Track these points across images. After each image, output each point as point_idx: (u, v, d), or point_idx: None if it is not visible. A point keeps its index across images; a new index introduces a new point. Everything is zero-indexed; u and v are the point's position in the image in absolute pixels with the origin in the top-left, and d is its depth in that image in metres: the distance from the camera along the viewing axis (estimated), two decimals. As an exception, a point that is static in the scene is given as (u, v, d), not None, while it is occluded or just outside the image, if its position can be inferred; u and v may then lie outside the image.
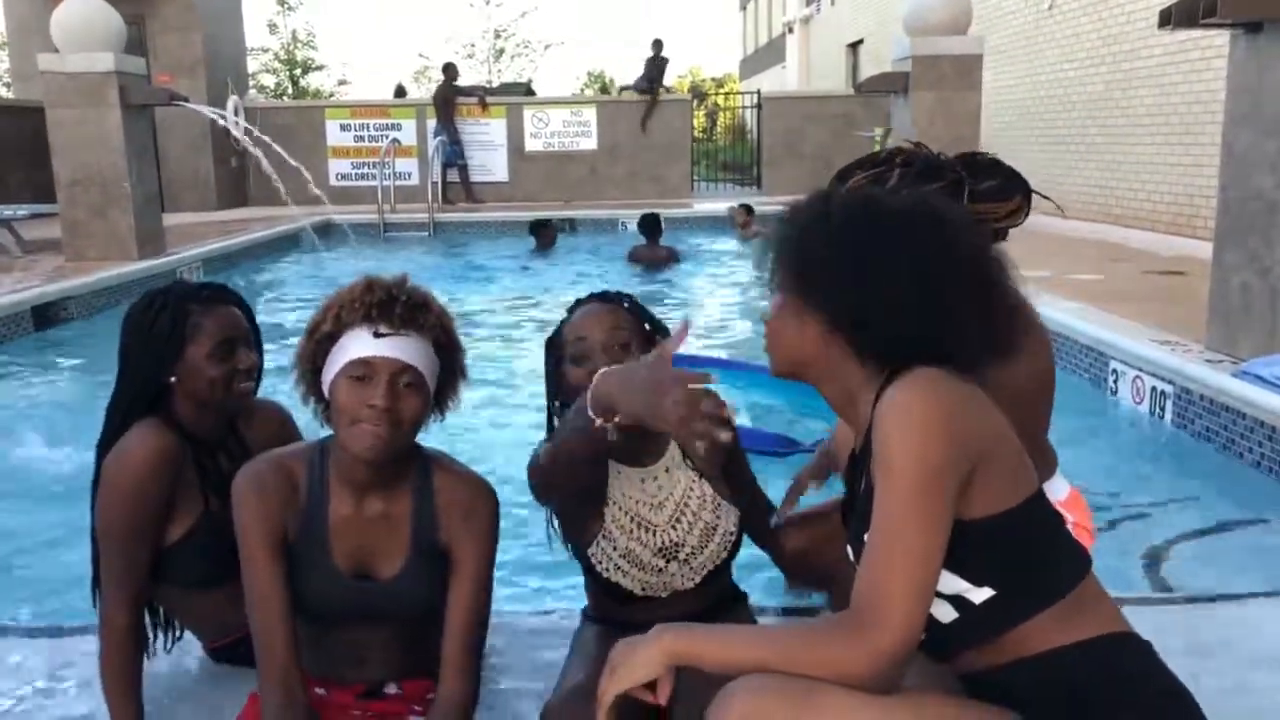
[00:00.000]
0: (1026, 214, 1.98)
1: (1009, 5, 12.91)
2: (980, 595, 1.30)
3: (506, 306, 8.17)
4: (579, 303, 1.92)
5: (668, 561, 1.87)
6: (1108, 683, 1.29)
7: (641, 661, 1.28)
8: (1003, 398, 1.74)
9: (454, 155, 14.51)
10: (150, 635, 2.03)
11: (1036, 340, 1.99)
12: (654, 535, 1.87)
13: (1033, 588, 1.31)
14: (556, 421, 1.90)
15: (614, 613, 1.94)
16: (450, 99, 14.64)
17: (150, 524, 1.89)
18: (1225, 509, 3.47)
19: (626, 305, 1.89)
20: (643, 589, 1.88)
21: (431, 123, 14.82)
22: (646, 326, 1.88)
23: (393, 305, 1.67)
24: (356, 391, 1.63)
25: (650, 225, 9.67)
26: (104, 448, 1.94)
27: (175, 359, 1.89)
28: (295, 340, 1.76)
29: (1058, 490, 2.14)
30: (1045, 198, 2.06)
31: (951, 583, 1.30)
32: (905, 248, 1.33)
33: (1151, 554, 3.12)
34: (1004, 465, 1.31)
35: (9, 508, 3.71)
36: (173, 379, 1.91)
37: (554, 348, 1.91)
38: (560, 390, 1.90)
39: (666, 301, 7.98)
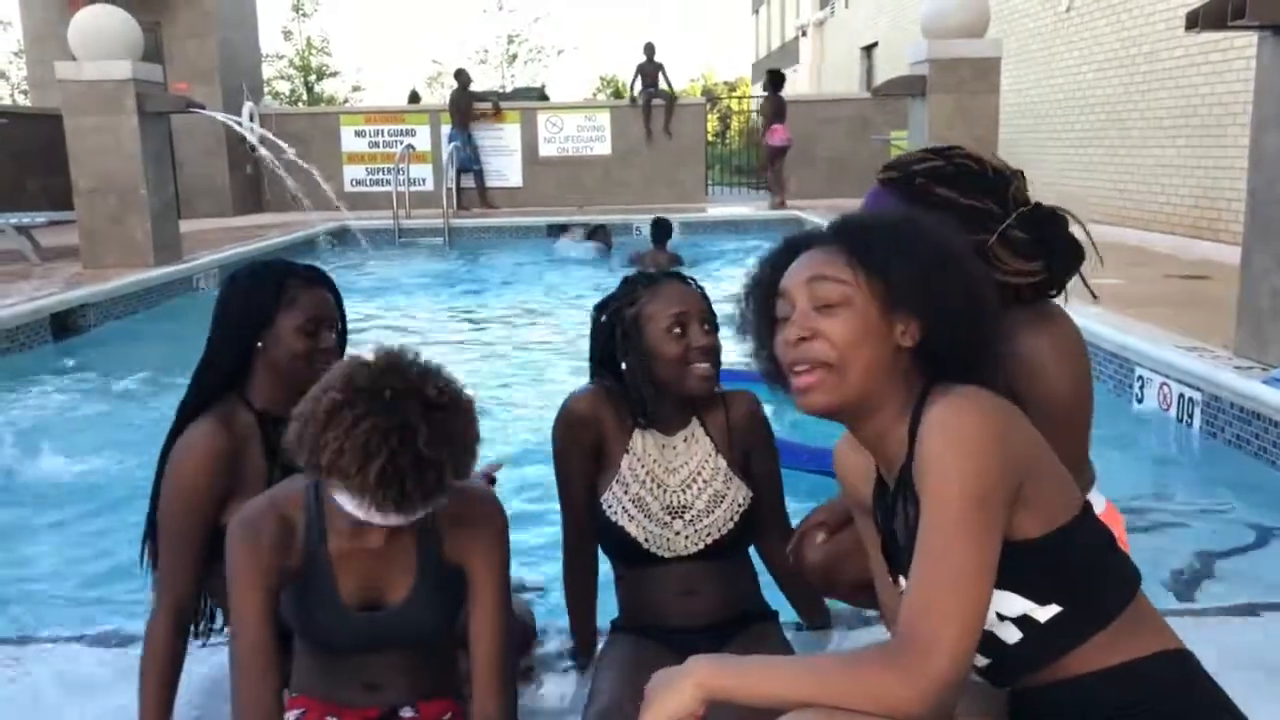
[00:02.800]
0: (1042, 290, 1.87)
1: (1026, 7, 12.84)
2: (1046, 613, 1.27)
3: (524, 311, 8.17)
4: (651, 278, 2.01)
5: (673, 518, 1.99)
6: (1159, 699, 1.27)
7: (675, 695, 1.24)
8: (1048, 412, 1.71)
9: (469, 161, 14.51)
10: (193, 627, 2.02)
11: (1075, 353, 1.93)
12: (665, 493, 2.00)
13: (1095, 602, 1.29)
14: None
15: (635, 591, 2.02)
16: (464, 104, 14.65)
17: (200, 526, 1.90)
18: (1259, 517, 3.40)
19: (699, 289, 2.01)
20: (646, 539, 1.97)
21: (446, 128, 14.84)
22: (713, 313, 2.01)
23: (405, 490, 1.43)
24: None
25: (662, 230, 9.64)
26: (183, 415, 1.96)
27: (267, 325, 1.94)
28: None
29: (1096, 504, 2.09)
30: (1086, 285, 2.02)
31: (1015, 604, 1.27)
32: (969, 266, 1.37)
33: (1183, 564, 3.07)
34: (1052, 481, 1.29)
35: (30, 514, 3.70)
36: (259, 344, 1.95)
37: (633, 321, 1.96)
38: (634, 351, 1.95)
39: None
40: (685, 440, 2.03)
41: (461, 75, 15.29)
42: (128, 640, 2.36)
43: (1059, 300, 1.92)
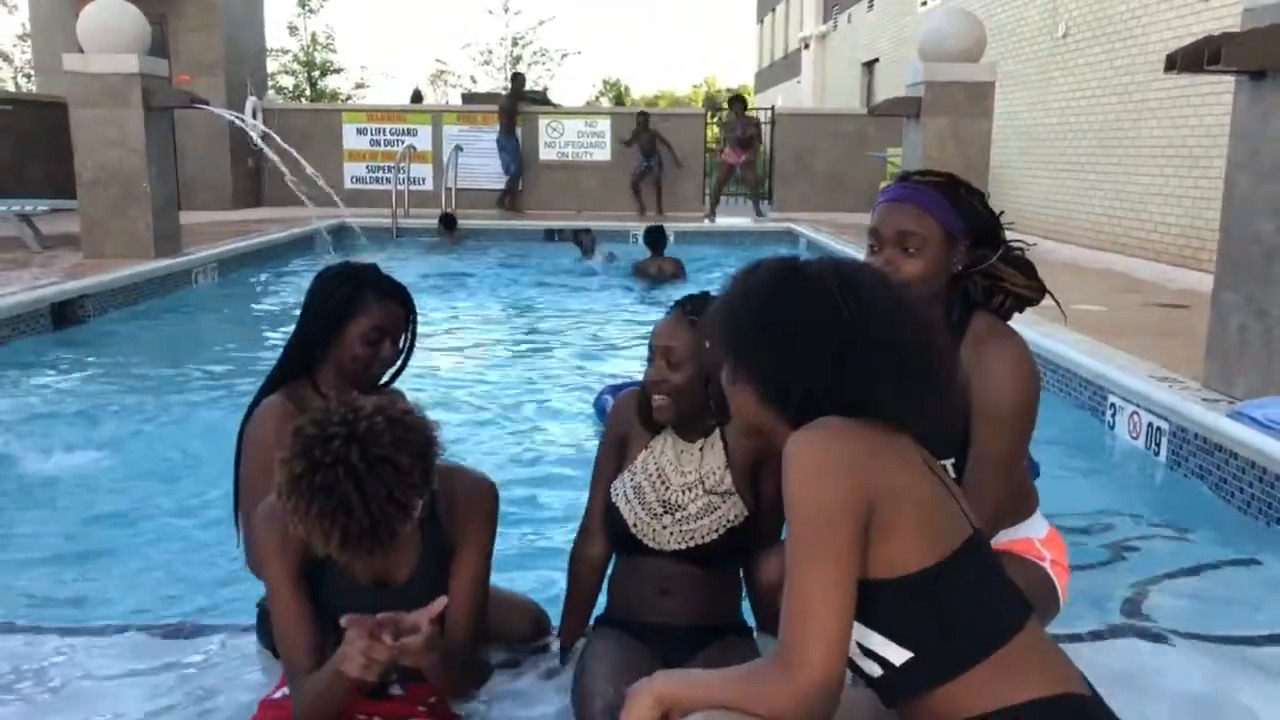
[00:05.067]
0: (1036, 301, 2.14)
1: (1023, 31, 13.00)
2: (899, 656, 1.36)
3: (510, 310, 8.30)
4: (674, 305, 2.16)
5: (665, 512, 2.13)
6: None
7: (640, 702, 1.42)
8: (996, 416, 1.90)
9: (510, 164, 14.58)
10: None
11: (1027, 369, 2.07)
12: (666, 489, 2.14)
13: (954, 648, 1.35)
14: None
15: (622, 581, 2.19)
16: (515, 109, 14.69)
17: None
18: (1213, 549, 3.52)
19: (695, 321, 2.06)
20: (635, 524, 2.13)
21: (447, 129, 14.96)
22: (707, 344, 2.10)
23: (368, 546, 1.62)
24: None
25: (654, 238, 9.68)
26: (260, 393, 2.26)
27: (339, 326, 2.19)
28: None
29: (1037, 529, 2.22)
30: (1057, 303, 2.31)
31: (871, 640, 1.37)
32: (809, 316, 1.42)
33: (1135, 590, 3.19)
34: (910, 523, 1.34)
35: (27, 505, 3.80)
36: (329, 341, 2.20)
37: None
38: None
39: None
40: (702, 448, 2.16)
41: (518, 79, 15.41)
42: (125, 628, 2.48)
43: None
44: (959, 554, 1.37)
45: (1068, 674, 1.39)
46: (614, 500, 2.18)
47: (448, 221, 12.24)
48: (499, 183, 14.83)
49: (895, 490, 1.34)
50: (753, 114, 15.33)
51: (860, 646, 1.38)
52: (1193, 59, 3.96)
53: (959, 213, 2.03)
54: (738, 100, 15.44)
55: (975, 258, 2.08)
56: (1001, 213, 2.18)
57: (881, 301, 1.44)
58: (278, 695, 1.96)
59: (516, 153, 14.66)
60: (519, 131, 14.83)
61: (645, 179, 14.72)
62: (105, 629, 2.50)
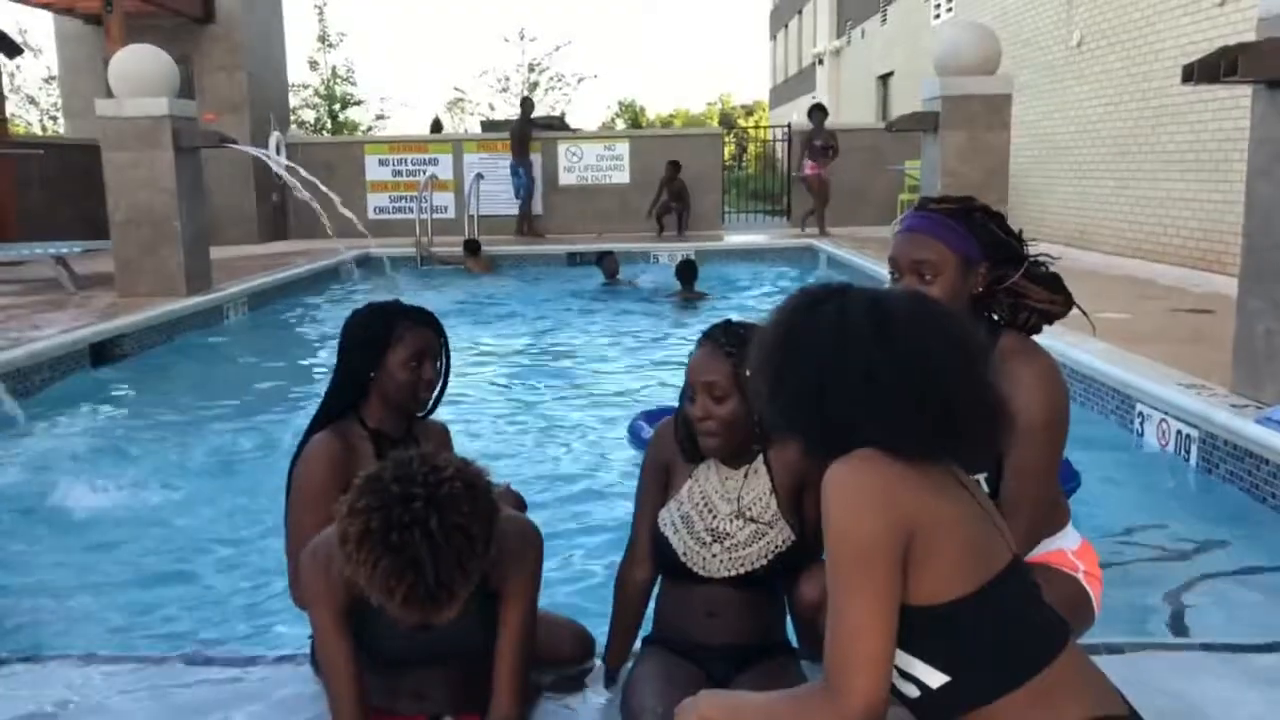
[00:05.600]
0: (1061, 315, 2.20)
1: (1040, 40, 13.04)
2: (936, 679, 1.39)
3: (537, 335, 8.38)
4: (704, 336, 2.16)
5: (714, 541, 2.16)
6: None
7: None
8: (1028, 433, 1.95)
9: (523, 188, 14.72)
10: None
11: (1055, 385, 2.12)
12: (714, 518, 2.17)
13: (991, 673, 1.38)
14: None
15: (669, 604, 2.22)
16: (526, 134, 14.84)
17: (321, 525, 2.09)
18: (1247, 554, 3.54)
19: (730, 353, 2.06)
20: (685, 553, 2.16)
21: (468, 157, 15.13)
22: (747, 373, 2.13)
23: (427, 610, 1.64)
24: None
25: (686, 272, 9.72)
26: (309, 431, 2.35)
27: (379, 359, 2.29)
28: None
29: (1070, 541, 2.26)
30: (1084, 314, 2.32)
31: (910, 664, 1.41)
32: (835, 350, 1.43)
33: (1172, 598, 3.21)
34: (948, 551, 1.37)
35: (71, 543, 3.90)
36: (373, 375, 2.30)
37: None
38: (685, 413, 2.17)
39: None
40: (746, 475, 2.18)
41: (526, 104, 15.56)
42: (162, 660, 2.54)
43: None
44: (997, 581, 1.40)
45: (1105, 696, 1.41)
46: (662, 530, 2.20)
47: (471, 247, 12.33)
48: (514, 210, 14.99)
49: (933, 520, 1.36)
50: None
51: (899, 670, 1.41)
52: (1209, 70, 4.00)
53: (974, 237, 2.11)
54: (819, 109, 14.94)
55: (997, 277, 2.14)
56: (1020, 231, 2.23)
57: (919, 335, 1.43)
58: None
59: (528, 178, 14.77)
60: (533, 157, 14.95)
61: (669, 214, 14.78)
62: (162, 658, 2.56)
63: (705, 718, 1.46)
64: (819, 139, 14.22)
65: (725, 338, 2.10)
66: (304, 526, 2.17)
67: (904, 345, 1.41)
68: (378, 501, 1.60)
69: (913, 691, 1.43)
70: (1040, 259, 2.21)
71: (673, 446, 2.24)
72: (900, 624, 1.36)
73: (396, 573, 1.59)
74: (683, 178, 14.77)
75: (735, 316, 2.31)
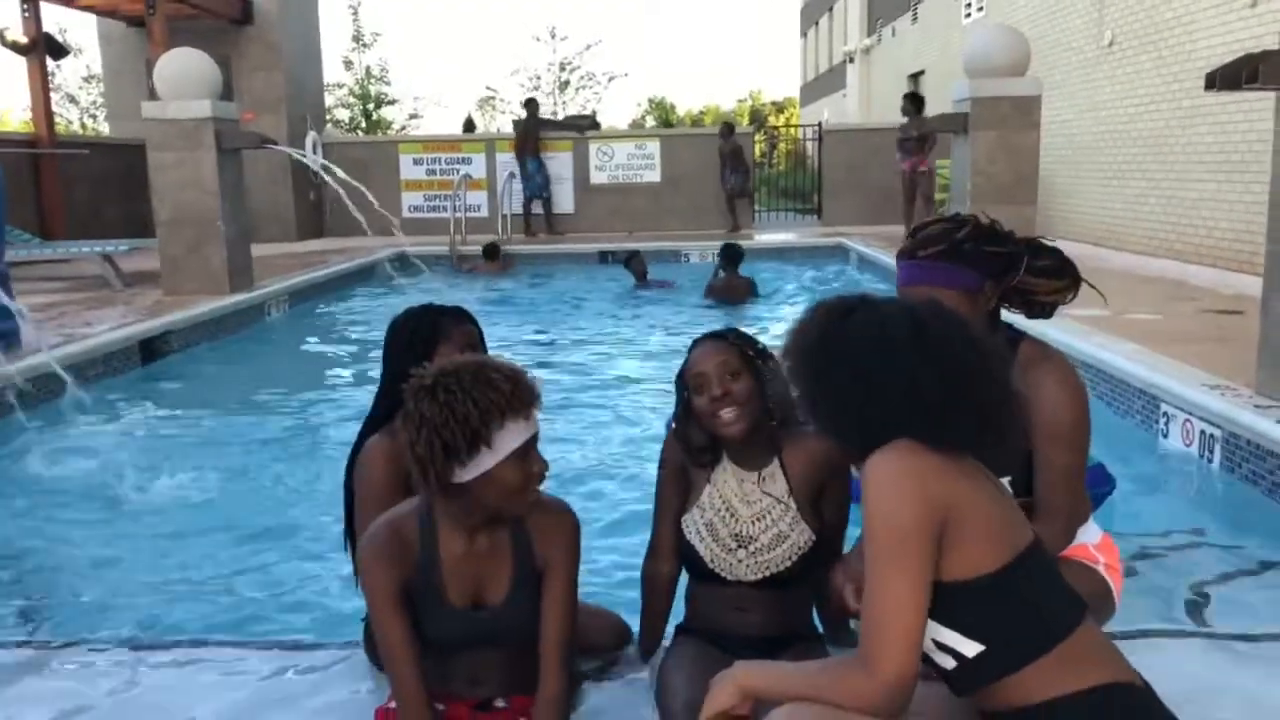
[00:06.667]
0: (1073, 297, 2.28)
1: (1070, 40, 13.02)
2: (971, 649, 1.53)
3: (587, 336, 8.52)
4: (695, 342, 2.30)
5: (739, 546, 2.25)
6: None
7: (723, 690, 1.61)
8: (1052, 436, 2.07)
9: (537, 188, 14.91)
10: None
11: (1075, 388, 2.23)
12: (736, 522, 2.26)
13: (1021, 641, 1.52)
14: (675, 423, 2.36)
15: (698, 601, 2.32)
16: (535, 133, 15.03)
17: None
18: (1268, 551, 3.62)
19: (731, 338, 2.26)
20: (712, 560, 2.25)
21: (501, 156, 15.31)
22: (750, 353, 2.24)
23: (529, 390, 1.89)
24: (523, 468, 1.92)
25: (730, 254, 9.55)
26: (364, 432, 2.44)
27: (429, 356, 2.30)
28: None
29: (1091, 535, 2.36)
30: (1093, 287, 2.33)
31: (946, 636, 1.54)
32: (881, 350, 1.58)
33: (1193, 593, 3.30)
34: (978, 531, 1.51)
35: (138, 530, 4.09)
36: None
37: (681, 385, 2.29)
38: (691, 415, 2.27)
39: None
40: (763, 478, 2.27)
41: (532, 104, 15.75)
42: (219, 646, 2.69)
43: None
44: (1023, 556, 1.54)
45: (1122, 666, 1.55)
46: (688, 538, 2.29)
47: (490, 251, 12.43)
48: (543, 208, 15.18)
49: (964, 504, 1.51)
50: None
51: (934, 642, 1.54)
52: (1232, 78, 4.08)
53: (968, 268, 2.18)
54: (915, 98, 13.46)
55: (1004, 284, 2.23)
56: (1039, 239, 2.30)
57: (949, 339, 1.58)
58: (392, 705, 2.17)
59: (541, 177, 14.91)
60: (547, 155, 15.12)
61: (735, 194, 14.94)
62: (221, 643, 2.72)
63: (743, 685, 1.57)
64: (915, 130, 12.73)
65: (718, 331, 2.29)
66: (367, 523, 2.27)
67: (939, 351, 1.56)
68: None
69: (949, 662, 1.55)
70: (1036, 242, 2.27)
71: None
72: (936, 600, 1.49)
73: (496, 380, 1.84)
74: (735, 143, 14.82)
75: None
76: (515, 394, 1.86)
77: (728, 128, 15.29)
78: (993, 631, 1.52)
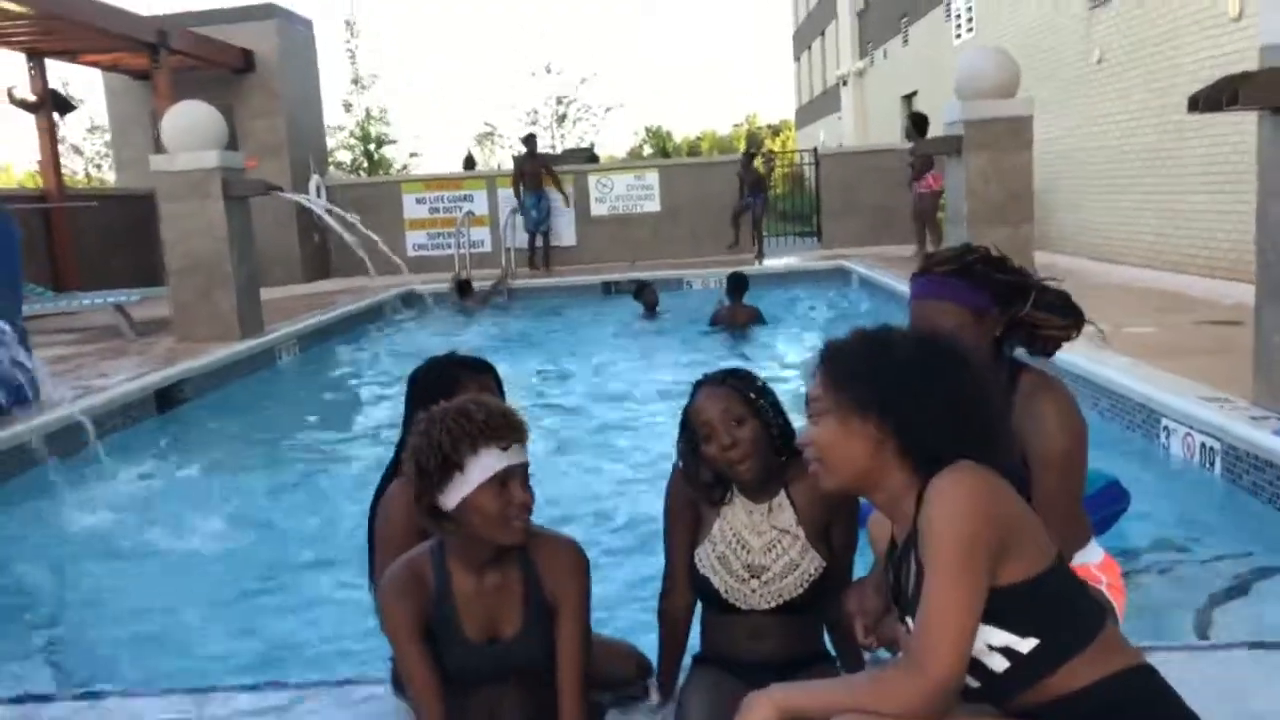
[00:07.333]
0: (1076, 335, 2.39)
1: (1063, 57, 13.19)
2: (1027, 645, 1.64)
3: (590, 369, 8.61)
4: (697, 386, 2.36)
5: (752, 576, 2.32)
6: (1132, 705, 1.63)
7: (759, 710, 1.67)
8: (1049, 463, 2.18)
9: (537, 222, 15.05)
10: None
11: (1072, 416, 2.33)
12: (748, 553, 2.32)
13: (1068, 635, 1.66)
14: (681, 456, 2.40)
15: (713, 631, 2.39)
16: (533, 168, 15.13)
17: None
18: (1272, 561, 3.69)
19: (731, 383, 2.30)
20: (726, 591, 2.32)
21: (502, 192, 15.48)
22: (752, 395, 2.30)
23: (504, 422, 1.99)
24: (501, 495, 2.00)
25: (735, 284, 9.65)
26: (386, 478, 2.55)
27: None
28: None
29: (1093, 555, 2.45)
30: (1096, 327, 2.47)
31: (1000, 637, 1.64)
32: (944, 375, 1.74)
33: (1199, 606, 3.37)
34: (1030, 538, 1.67)
35: (163, 574, 4.18)
36: None
37: (686, 428, 2.36)
38: (701, 460, 2.34)
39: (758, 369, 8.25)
40: (770, 509, 2.34)
41: (530, 141, 15.93)
42: (242, 689, 2.77)
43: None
44: (1057, 559, 1.70)
45: (1138, 655, 1.71)
46: (702, 572, 2.35)
47: (462, 288, 12.48)
48: (553, 240, 15.32)
49: (1016, 518, 1.65)
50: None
51: (987, 645, 1.64)
52: (1213, 101, 4.19)
53: (979, 288, 2.30)
54: (916, 119, 13.38)
55: (1011, 315, 2.35)
56: (1042, 278, 2.43)
57: (969, 367, 1.76)
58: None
59: (541, 212, 15.04)
60: (549, 190, 15.23)
61: (745, 213, 15.05)
62: (253, 686, 2.81)
63: (780, 705, 1.64)
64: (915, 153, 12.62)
65: (717, 376, 2.35)
66: (388, 565, 2.40)
67: (968, 375, 1.74)
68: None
69: (1000, 664, 1.65)
70: (1047, 281, 2.40)
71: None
72: (990, 604, 1.61)
73: (472, 413, 1.99)
74: (758, 169, 14.99)
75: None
76: (489, 423, 1.96)
77: (748, 157, 15.40)
78: (1044, 627, 1.64)
